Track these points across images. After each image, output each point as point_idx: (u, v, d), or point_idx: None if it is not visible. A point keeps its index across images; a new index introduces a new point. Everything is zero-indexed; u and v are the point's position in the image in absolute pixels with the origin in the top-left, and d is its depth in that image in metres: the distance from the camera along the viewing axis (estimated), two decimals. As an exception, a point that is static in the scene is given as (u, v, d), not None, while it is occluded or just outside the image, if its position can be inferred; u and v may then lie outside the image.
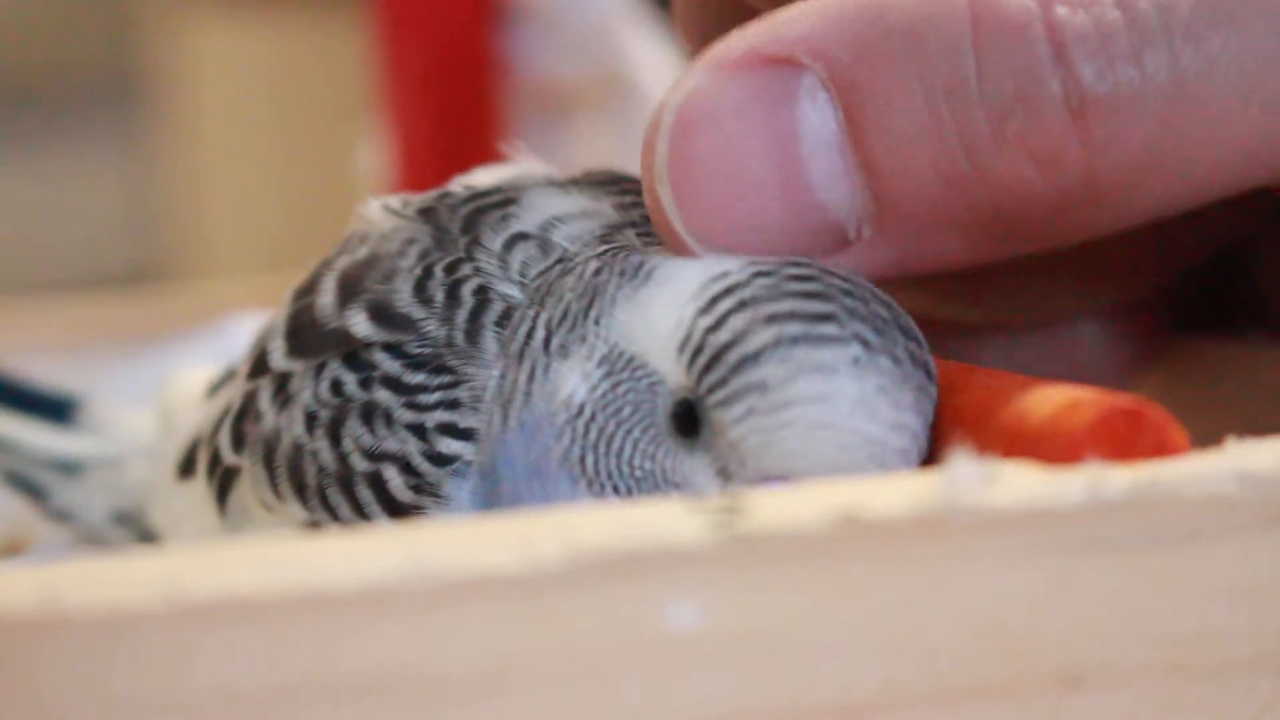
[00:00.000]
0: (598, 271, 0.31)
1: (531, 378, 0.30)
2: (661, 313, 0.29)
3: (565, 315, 0.31)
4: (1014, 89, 0.29)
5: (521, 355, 0.31)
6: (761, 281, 0.29)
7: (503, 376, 0.31)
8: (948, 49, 0.29)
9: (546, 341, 0.31)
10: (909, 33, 0.29)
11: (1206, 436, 0.26)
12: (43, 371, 0.47)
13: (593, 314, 0.30)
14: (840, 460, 0.28)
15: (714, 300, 0.29)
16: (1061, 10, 0.29)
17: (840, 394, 0.28)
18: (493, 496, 0.31)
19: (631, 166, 0.35)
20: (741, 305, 0.28)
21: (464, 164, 0.36)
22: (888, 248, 0.30)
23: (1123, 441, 0.26)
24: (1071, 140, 0.29)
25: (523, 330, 0.31)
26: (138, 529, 0.40)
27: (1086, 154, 0.29)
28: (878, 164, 0.29)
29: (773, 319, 0.28)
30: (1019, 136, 0.29)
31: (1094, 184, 0.29)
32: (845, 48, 0.29)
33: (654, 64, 0.65)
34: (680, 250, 0.30)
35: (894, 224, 0.30)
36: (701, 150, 0.30)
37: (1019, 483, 0.25)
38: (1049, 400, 0.27)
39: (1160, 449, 0.26)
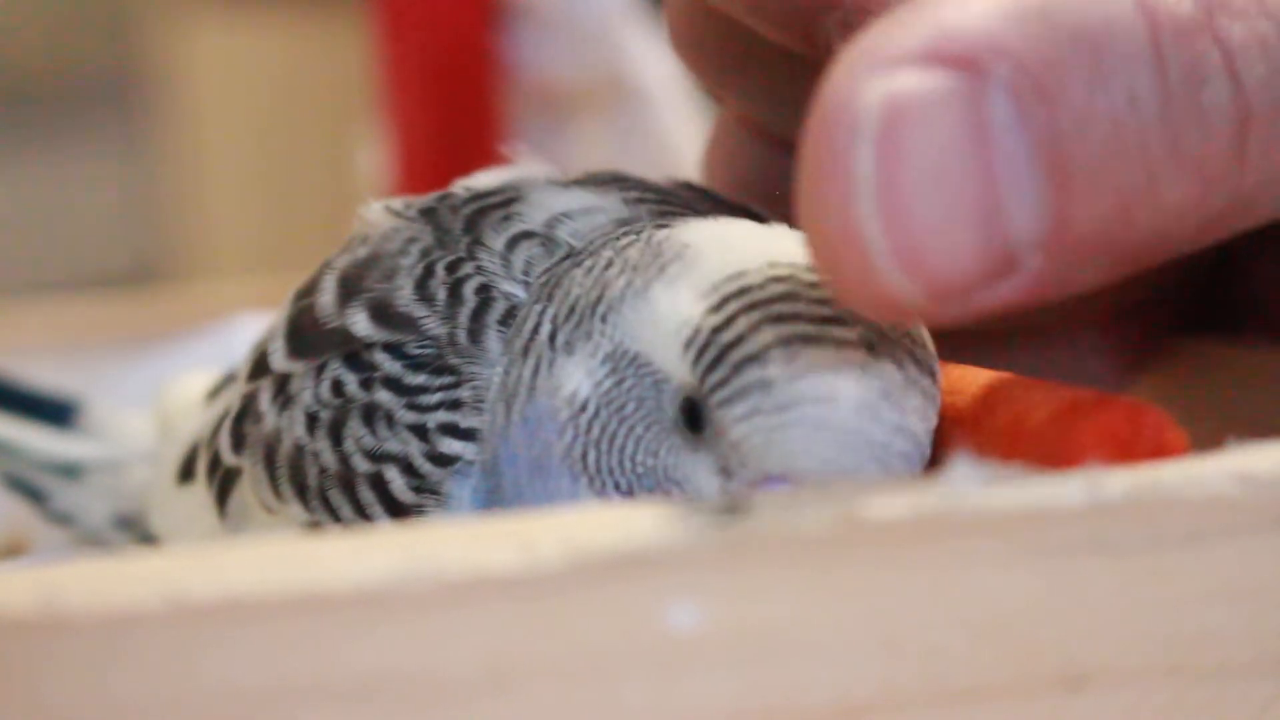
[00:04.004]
0: (609, 264, 0.31)
1: (536, 372, 0.30)
2: (669, 310, 0.29)
3: (573, 310, 0.30)
4: (1191, 103, 0.26)
5: (526, 350, 0.31)
6: (775, 286, 0.28)
7: (507, 373, 0.31)
8: (1128, 56, 0.26)
9: (552, 336, 0.30)
10: (1085, 34, 0.26)
11: (1206, 438, 0.26)
12: (43, 372, 0.47)
13: (600, 309, 0.30)
14: (842, 461, 0.28)
15: (725, 299, 0.29)
16: (1223, 19, 0.27)
17: (844, 395, 0.28)
18: (495, 493, 0.31)
19: (632, 168, 0.35)
20: (751, 306, 0.28)
21: (465, 164, 0.36)
22: (1043, 279, 0.26)
23: (1122, 443, 0.26)
24: (1233, 158, 0.27)
25: (528, 325, 0.31)
26: (138, 532, 0.40)
27: (1242, 170, 0.27)
28: (1067, 185, 0.26)
29: (780, 319, 0.28)
30: (1192, 156, 0.26)
31: (1238, 199, 0.27)
32: (1030, 50, 0.25)
33: (654, 64, 0.65)
34: (864, 293, 0.26)
35: (1064, 252, 0.26)
36: (915, 162, 0.25)
37: (1019, 485, 0.25)
38: (1049, 402, 0.27)
39: (1160, 450, 0.26)
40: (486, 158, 0.36)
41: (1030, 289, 0.26)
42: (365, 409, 0.32)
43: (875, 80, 0.25)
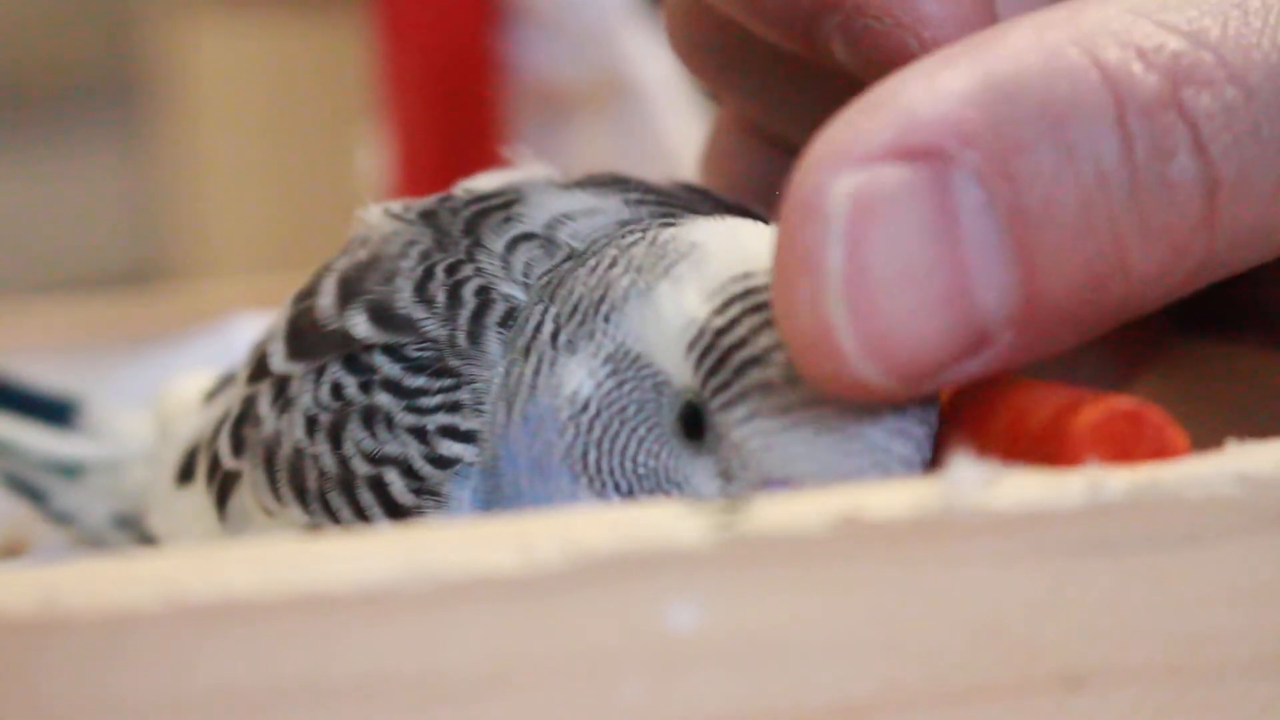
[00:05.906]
0: (613, 263, 0.30)
1: (538, 371, 0.30)
2: (674, 311, 0.29)
3: (575, 309, 0.30)
4: (1158, 177, 0.27)
5: (528, 350, 0.31)
6: None
7: (507, 373, 0.31)
8: (1094, 133, 0.26)
9: (554, 335, 0.30)
10: (1050, 112, 0.26)
11: (1206, 438, 0.26)
12: (43, 371, 0.47)
13: (604, 309, 0.30)
14: (843, 466, 0.28)
15: (730, 300, 0.29)
16: (1189, 91, 0.27)
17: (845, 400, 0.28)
18: (495, 494, 0.31)
19: (631, 168, 0.35)
20: (756, 309, 0.28)
21: (464, 165, 0.36)
22: (1014, 351, 0.27)
23: (1123, 443, 0.26)
24: (1202, 227, 0.27)
25: (530, 325, 0.31)
26: (138, 532, 0.40)
27: (1211, 238, 0.27)
28: (1036, 263, 0.27)
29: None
30: (1163, 228, 0.27)
31: (1209, 261, 0.28)
32: (992, 132, 0.26)
33: (654, 64, 0.65)
34: (836, 383, 0.27)
35: (1036, 325, 0.27)
36: (881, 256, 0.26)
37: (1019, 485, 0.25)
38: (1049, 402, 0.27)
39: (1160, 451, 0.26)
40: (487, 158, 0.36)
41: (1000, 362, 0.27)
42: (365, 411, 0.32)
43: (843, 176, 0.26)
